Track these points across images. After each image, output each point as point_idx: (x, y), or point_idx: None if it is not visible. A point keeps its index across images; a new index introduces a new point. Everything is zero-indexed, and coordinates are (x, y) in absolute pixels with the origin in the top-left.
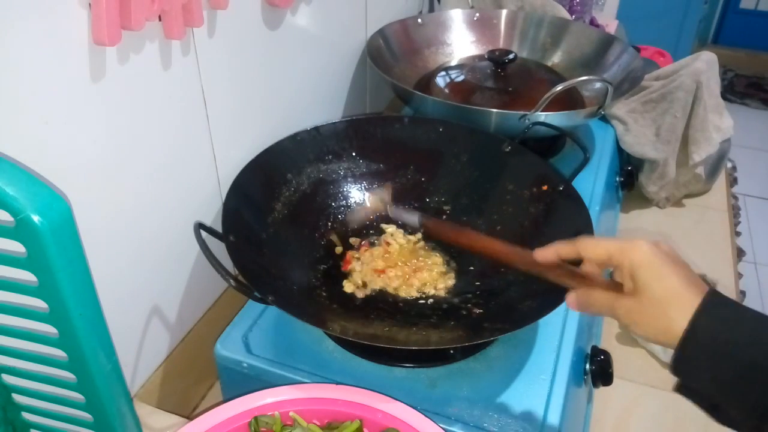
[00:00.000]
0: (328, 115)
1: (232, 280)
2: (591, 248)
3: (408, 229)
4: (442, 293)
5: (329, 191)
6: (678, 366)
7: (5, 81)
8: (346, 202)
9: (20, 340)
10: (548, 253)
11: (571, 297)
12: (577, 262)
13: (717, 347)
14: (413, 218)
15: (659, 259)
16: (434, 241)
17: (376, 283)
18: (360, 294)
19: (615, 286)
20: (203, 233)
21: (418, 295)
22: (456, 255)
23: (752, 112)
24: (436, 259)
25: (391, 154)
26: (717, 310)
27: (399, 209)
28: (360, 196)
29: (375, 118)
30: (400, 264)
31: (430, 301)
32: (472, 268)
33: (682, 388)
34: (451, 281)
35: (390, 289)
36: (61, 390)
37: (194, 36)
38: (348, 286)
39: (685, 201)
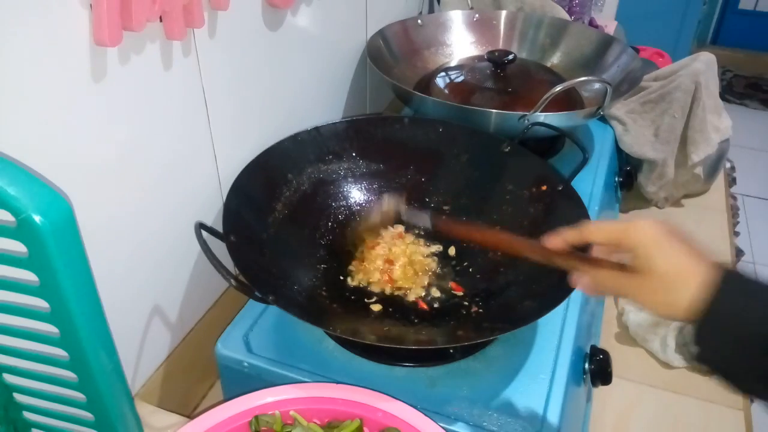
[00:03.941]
0: (328, 116)
1: (232, 280)
2: (596, 232)
3: (417, 231)
4: (438, 294)
5: (329, 191)
6: (696, 339)
7: (7, 81)
8: (347, 203)
9: (21, 339)
10: (556, 241)
11: (580, 280)
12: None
13: (731, 321)
14: (425, 218)
15: (663, 237)
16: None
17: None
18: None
19: (622, 267)
20: (204, 233)
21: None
22: (456, 256)
23: (751, 112)
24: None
25: (391, 154)
26: (730, 284)
27: (411, 211)
28: (360, 197)
29: (375, 118)
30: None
31: (431, 298)
32: (471, 269)
33: (698, 357)
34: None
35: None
36: (63, 389)
37: (195, 37)
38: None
39: (683, 201)
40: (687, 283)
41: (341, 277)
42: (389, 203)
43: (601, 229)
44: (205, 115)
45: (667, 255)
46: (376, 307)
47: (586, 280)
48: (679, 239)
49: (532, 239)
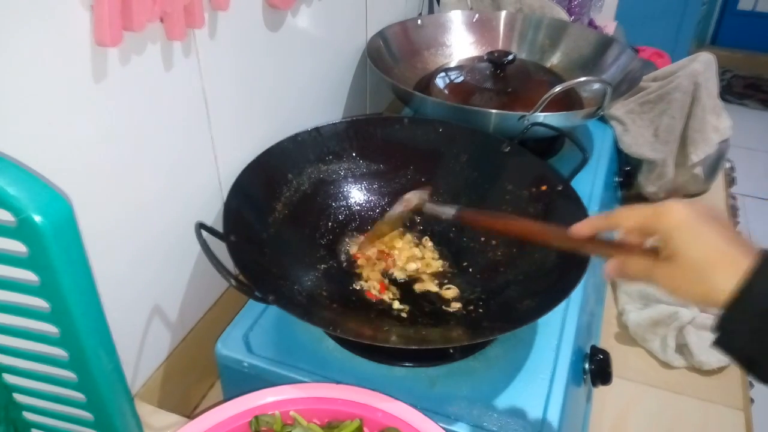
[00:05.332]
0: (328, 116)
1: (233, 280)
2: (624, 217)
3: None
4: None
5: (330, 191)
6: (723, 325)
7: (8, 81)
8: (347, 203)
9: (21, 339)
10: (584, 228)
11: (608, 266)
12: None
13: (763, 303)
14: (449, 211)
15: (695, 220)
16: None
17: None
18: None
19: (653, 253)
20: (204, 233)
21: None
22: (454, 256)
23: (750, 112)
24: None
25: (391, 154)
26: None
27: (434, 205)
28: (360, 197)
29: (375, 118)
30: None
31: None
32: (471, 268)
33: (720, 344)
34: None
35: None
36: (62, 389)
37: (195, 37)
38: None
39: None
40: (722, 271)
41: (341, 277)
42: (413, 197)
43: (630, 213)
44: (206, 115)
45: (700, 240)
46: (395, 305)
47: (614, 264)
48: (714, 222)
49: (558, 227)
